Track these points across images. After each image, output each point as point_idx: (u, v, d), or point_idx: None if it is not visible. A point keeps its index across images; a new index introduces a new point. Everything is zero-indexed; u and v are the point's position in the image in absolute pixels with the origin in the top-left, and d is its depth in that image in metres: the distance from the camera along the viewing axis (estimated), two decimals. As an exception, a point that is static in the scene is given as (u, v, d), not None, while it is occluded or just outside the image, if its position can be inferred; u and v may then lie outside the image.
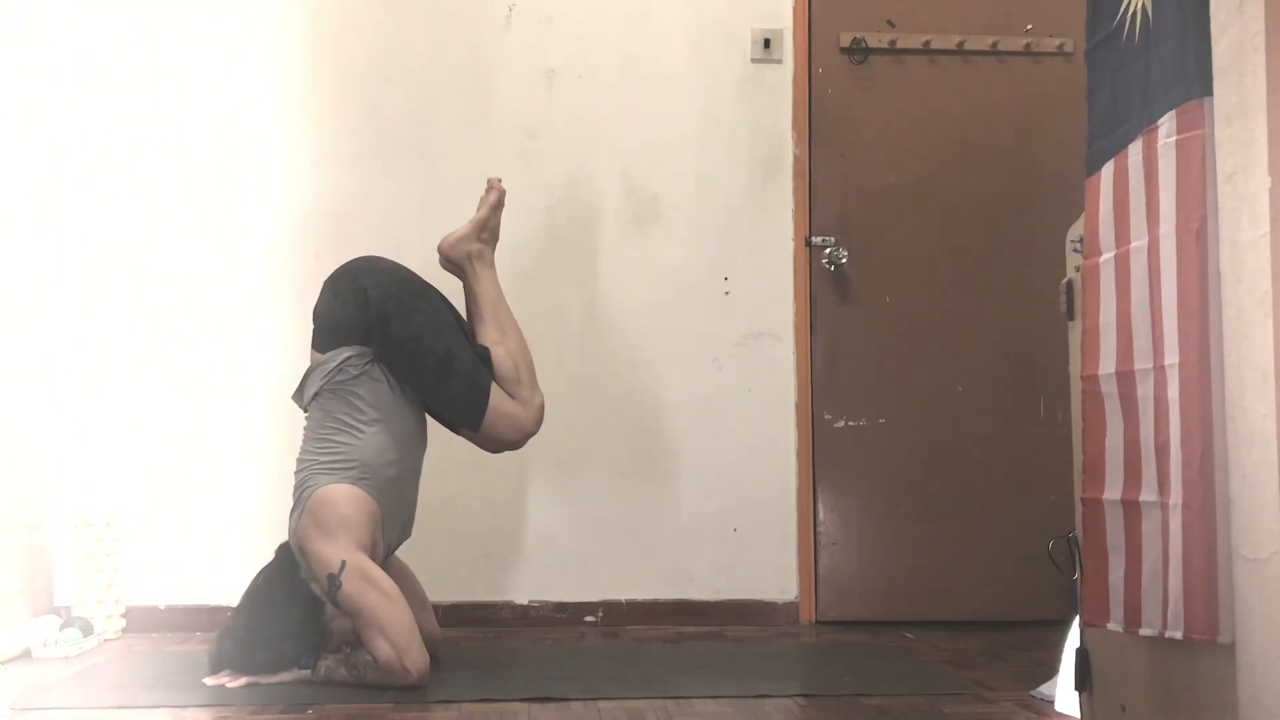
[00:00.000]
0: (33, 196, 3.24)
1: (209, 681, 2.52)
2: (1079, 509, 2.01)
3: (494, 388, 2.65)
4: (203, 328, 3.36)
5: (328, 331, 2.66)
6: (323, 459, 2.59)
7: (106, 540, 3.13)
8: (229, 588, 3.31)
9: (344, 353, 2.61)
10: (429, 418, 2.75)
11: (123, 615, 3.21)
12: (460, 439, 3.19)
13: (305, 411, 2.71)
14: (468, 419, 2.66)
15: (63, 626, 2.97)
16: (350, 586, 2.46)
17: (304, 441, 2.67)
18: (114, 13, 3.37)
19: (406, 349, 2.61)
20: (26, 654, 2.89)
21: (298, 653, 2.54)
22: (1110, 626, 1.71)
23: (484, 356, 2.69)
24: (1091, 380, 1.77)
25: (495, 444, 2.72)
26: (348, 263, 2.74)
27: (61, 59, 3.35)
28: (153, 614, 3.29)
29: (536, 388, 2.75)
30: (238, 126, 3.40)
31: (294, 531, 2.59)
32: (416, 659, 2.46)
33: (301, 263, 3.39)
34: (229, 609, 3.28)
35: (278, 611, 2.54)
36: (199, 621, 3.28)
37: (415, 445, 2.70)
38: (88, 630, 2.99)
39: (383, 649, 2.45)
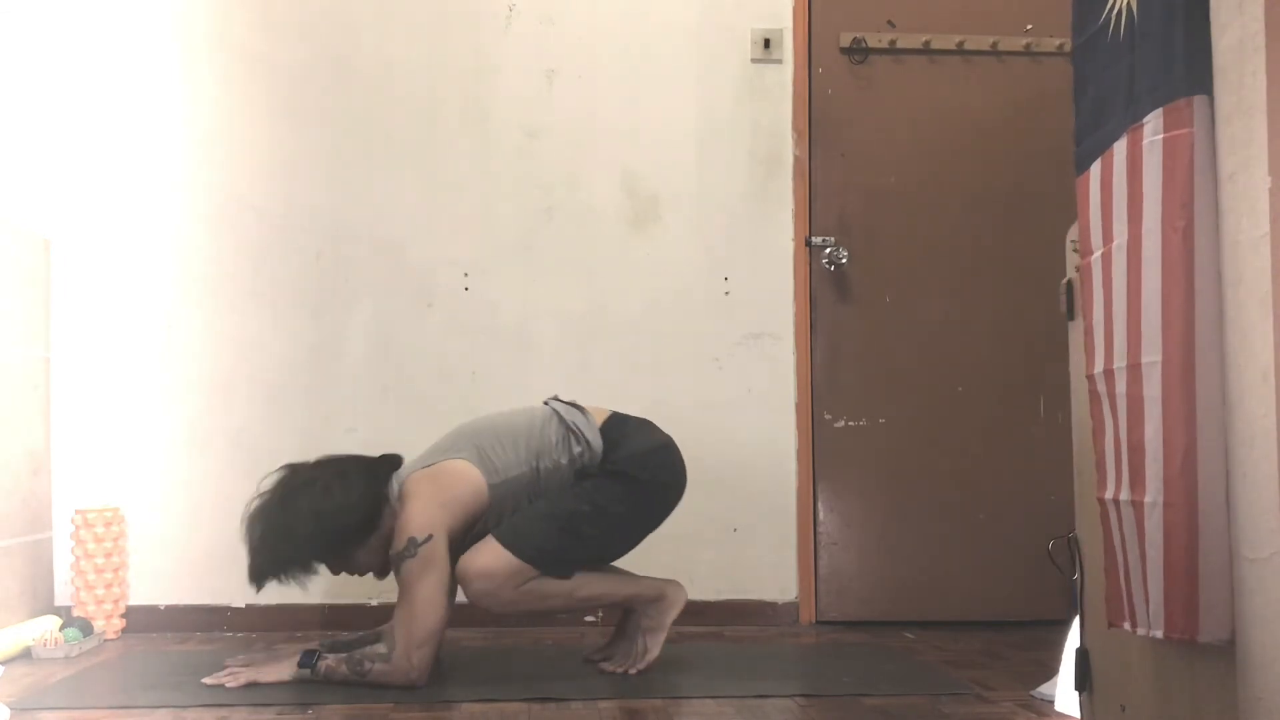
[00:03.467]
0: (33, 196, 3.24)
1: (208, 681, 2.52)
2: (1079, 509, 2.01)
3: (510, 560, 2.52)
4: (203, 327, 3.37)
5: (623, 434, 2.65)
6: (485, 450, 2.57)
7: (106, 540, 3.13)
8: (229, 588, 3.32)
9: (600, 447, 2.60)
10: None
11: (123, 615, 3.21)
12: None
13: (547, 403, 2.70)
14: (514, 545, 2.52)
15: (63, 626, 2.97)
16: (418, 562, 2.43)
17: (493, 427, 2.64)
18: (114, 13, 3.38)
19: (597, 498, 2.57)
20: (26, 654, 2.89)
21: (350, 539, 2.51)
22: (1126, 626, 1.71)
23: (564, 559, 2.56)
24: (1090, 380, 1.77)
25: (464, 573, 2.54)
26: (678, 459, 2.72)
27: (58, 55, 3.35)
28: (153, 614, 3.29)
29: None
30: (237, 125, 3.40)
31: (406, 477, 2.56)
32: (424, 658, 2.46)
33: (302, 263, 3.39)
34: (229, 609, 3.30)
35: (352, 483, 2.51)
36: (199, 621, 3.28)
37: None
38: (88, 630, 2.99)
39: (402, 633, 2.44)
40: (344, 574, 2.64)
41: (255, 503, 2.52)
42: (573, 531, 2.55)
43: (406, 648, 2.44)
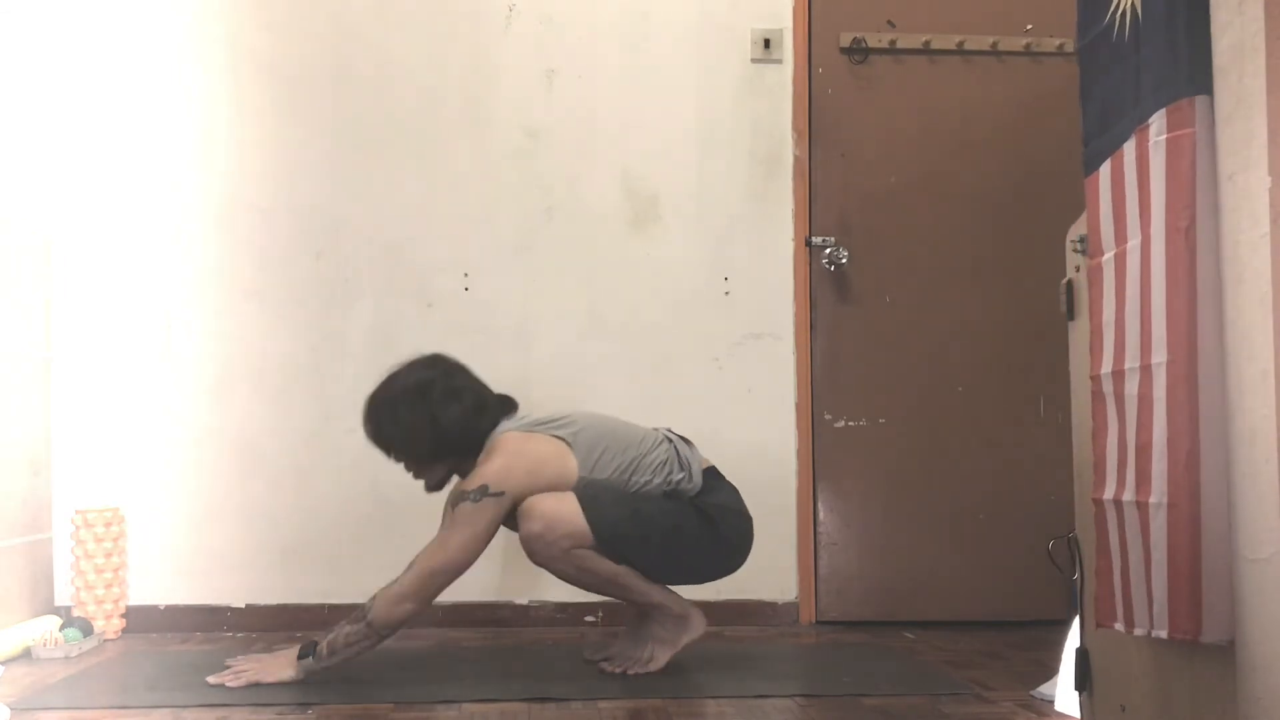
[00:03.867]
0: (33, 196, 3.24)
1: (211, 680, 2.52)
2: (1079, 509, 2.01)
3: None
4: (203, 328, 3.37)
5: (719, 486, 2.74)
6: (590, 445, 2.62)
7: (106, 540, 3.13)
8: (229, 588, 3.32)
9: (699, 484, 2.69)
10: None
11: (123, 615, 3.21)
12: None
13: (663, 432, 2.78)
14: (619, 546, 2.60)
15: (63, 626, 2.97)
16: (477, 509, 2.49)
17: (605, 428, 2.69)
18: (115, 13, 3.38)
19: (677, 520, 2.64)
20: (26, 654, 2.89)
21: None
22: (1116, 626, 1.72)
23: (622, 547, 2.60)
24: (1095, 380, 1.78)
25: (529, 510, 2.58)
26: (750, 537, 2.76)
27: (59, 55, 3.35)
28: (153, 614, 3.29)
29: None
30: (237, 125, 3.40)
31: (509, 429, 2.63)
32: (431, 589, 2.49)
33: (302, 263, 3.39)
34: (229, 609, 3.30)
35: (486, 414, 2.66)
36: (199, 621, 3.29)
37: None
38: (88, 630, 2.99)
39: (426, 559, 2.49)
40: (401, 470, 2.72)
41: (414, 377, 2.64)
42: (641, 529, 2.58)
43: (423, 571, 2.48)
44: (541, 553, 2.56)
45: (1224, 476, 1.49)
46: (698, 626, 2.69)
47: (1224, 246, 1.48)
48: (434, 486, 2.73)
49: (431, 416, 2.60)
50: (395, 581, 2.50)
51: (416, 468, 2.69)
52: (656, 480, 2.66)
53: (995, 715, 2.27)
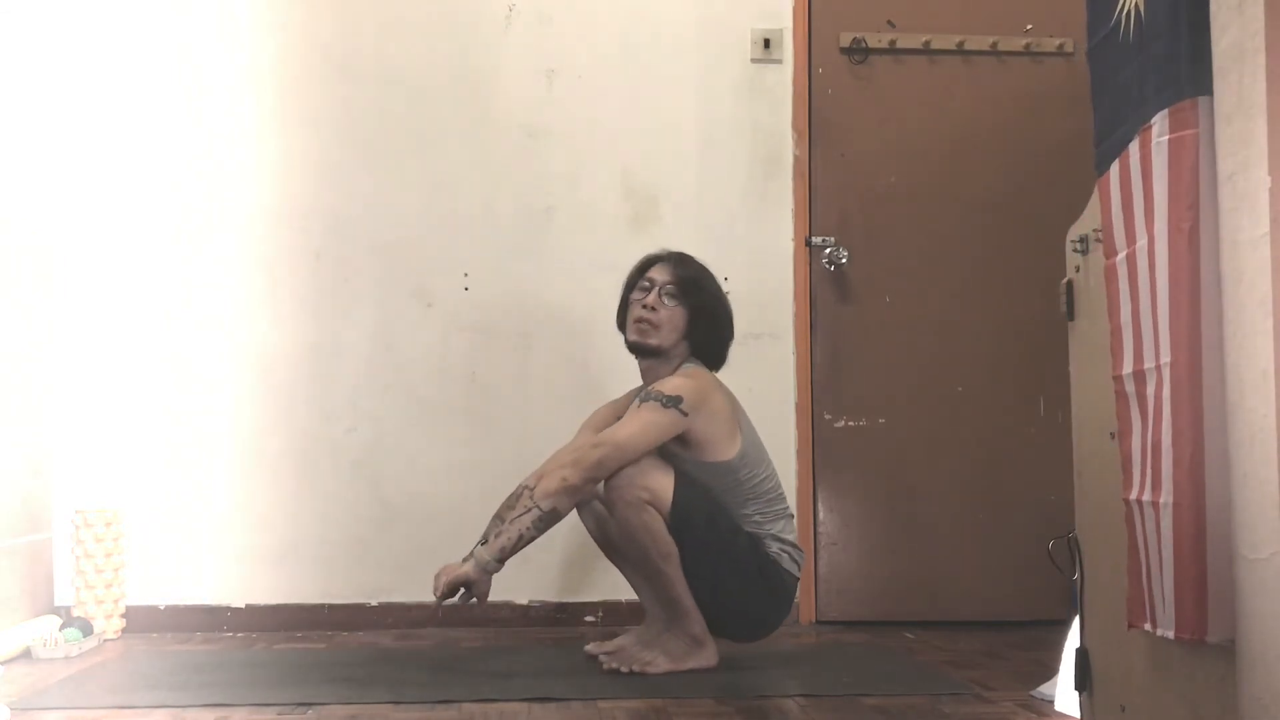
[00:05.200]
0: (33, 197, 3.24)
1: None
2: (1079, 509, 2.01)
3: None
4: (204, 328, 3.37)
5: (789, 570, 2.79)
6: (750, 452, 2.73)
7: (106, 540, 3.13)
8: (229, 588, 3.32)
9: (784, 560, 2.74)
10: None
11: (123, 615, 3.21)
12: (460, 433, 3.21)
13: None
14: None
15: (63, 626, 2.97)
16: (661, 412, 2.60)
17: (766, 458, 2.81)
18: (113, 15, 3.38)
19: (744, 556, 2.69)
20: (26, 654, 2.89)
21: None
22: (1146, 627, 1.71)
23: (688, 533, 2.65)
24: (1118, 380, 1.77)
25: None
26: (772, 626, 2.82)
27: (59, 56, 3.35)
28: (153, 614, 3.29)
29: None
30: (237, 126, 3.40)
31: (711, 371, 2.80)
32: (599, 461, 2.57)
33: (301, 263, 3.39)
34: (229, 609, 3.31)
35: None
36: (199, 621, 3.29)
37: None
38: (88, 630, 2.99)
39: (610, 433, 2.61)
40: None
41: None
42: (709, 533, 2.64)
43: (590, 443, 2.60)
44: (623, 487, 2.59)
45: (1228, 476, 1.49)
46: (708, 658, 2.69)
47: (1224, 246, 1.48)
48: (644, 320, 2.77)
49: (725, 304, 2.84)
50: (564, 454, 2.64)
51: (672, 315, 2.76)
52: (760, 520, 2.71)
53: (995, 715, 2.27)
